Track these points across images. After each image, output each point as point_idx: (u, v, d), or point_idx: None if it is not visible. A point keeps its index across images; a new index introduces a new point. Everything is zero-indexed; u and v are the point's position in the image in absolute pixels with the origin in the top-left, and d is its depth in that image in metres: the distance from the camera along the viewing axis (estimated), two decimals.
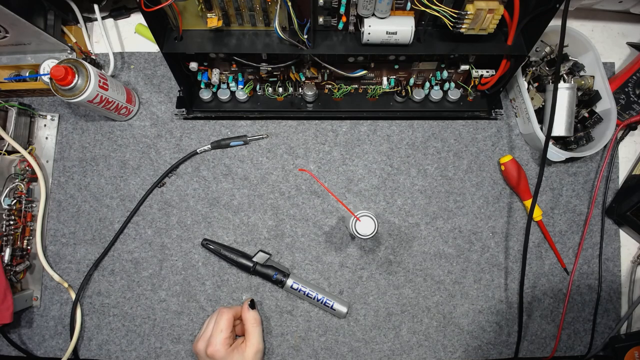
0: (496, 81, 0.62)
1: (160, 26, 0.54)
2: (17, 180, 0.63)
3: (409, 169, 0.69)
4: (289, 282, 0.63)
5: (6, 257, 0.61)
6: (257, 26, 0.55)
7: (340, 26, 0.54)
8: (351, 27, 0.55)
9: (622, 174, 0.70)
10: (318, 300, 0.63)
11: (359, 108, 0.68)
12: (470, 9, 0.49)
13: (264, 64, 0.60)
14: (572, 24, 0.74)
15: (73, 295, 0.64)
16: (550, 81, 0.65)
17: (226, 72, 0.65)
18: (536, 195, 0.59)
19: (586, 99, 0.66)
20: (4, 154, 0.63)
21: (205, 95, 0.66)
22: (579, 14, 0.74)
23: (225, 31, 0.55)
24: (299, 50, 0.54)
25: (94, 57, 0.69)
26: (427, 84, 0.67)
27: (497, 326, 0.66)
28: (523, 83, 0.65)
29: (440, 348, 0.65)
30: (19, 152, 0.63)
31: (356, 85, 0.67)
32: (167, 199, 0.67)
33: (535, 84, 0.66)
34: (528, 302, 0.67)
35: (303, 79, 0.64)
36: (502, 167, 0.66)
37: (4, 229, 0.61)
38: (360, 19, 0.53)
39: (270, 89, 0.65)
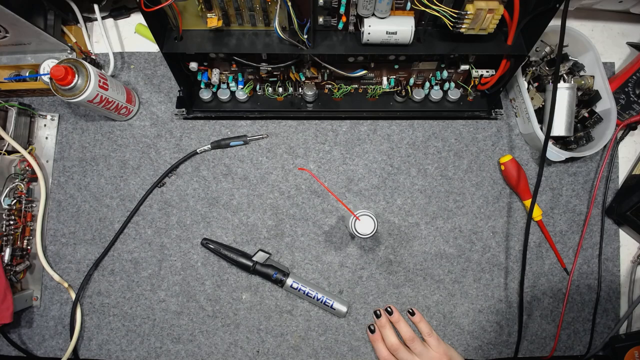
0: (496, 81, 0.62)
1: (160, 26, 0.54)
2: (17, 180, 0.63)
3: (409, 169, 0.69)
4: (289, 281, 0.63)
5: (6, 257, 0.61)
6: (257, 26, 0.55)
7: (340, 26, 0.54)
8: (351, 27, 0.55)
9: (622, 174, 0.70)
10: (318, 299, 0.63)
11: (359, 108, 0.68)
12: (470, 9, 0.49)
13: (264, 64, 0.60)
14: (572, 24, 0.74)
15: (73, 295, 0.64)
16: (550, 81, 0.65)
17: (226, 72, 0.65)
18: (535, 194, 0.59)
19: (586, 98, 0.66)
20: (4, 154, 0.63)
21: (205, 95, 0.66)
22: (579, 14, 0.74)
23: (225, 31, 0.55)
24: (299, 50, 0.54)
25: (94, 57, 0.69)
26: (427, 84, 0.67)
27: (498, 326, 0.66)
28: (523, 83, 0.65)
29: None
30: (19, 152, 0.63)
31: (356, 85, 0.67)
32: (167, 198, 0.67)
33: (535, 84, 0.66)
34: (528, 301, 0.67)
35: (303, 79, 0.64)
36: (502, 167, 0.66)
37: (4, 229, 0.61)
38: (360, 19, 0.53)
39: (270, 89, 0.65)
